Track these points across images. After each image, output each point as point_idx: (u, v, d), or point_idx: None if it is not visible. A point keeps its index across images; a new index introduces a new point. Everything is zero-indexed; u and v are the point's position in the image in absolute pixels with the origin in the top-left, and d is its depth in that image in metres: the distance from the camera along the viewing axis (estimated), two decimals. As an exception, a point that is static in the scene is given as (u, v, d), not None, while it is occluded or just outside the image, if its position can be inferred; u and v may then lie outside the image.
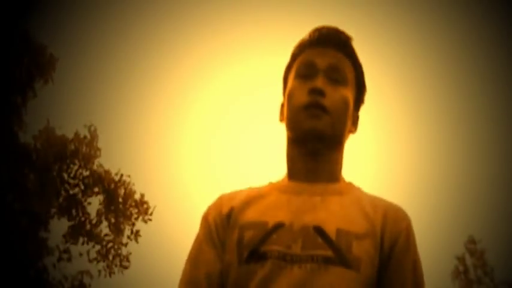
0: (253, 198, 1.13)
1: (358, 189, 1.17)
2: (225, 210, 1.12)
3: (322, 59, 1.17)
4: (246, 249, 1.04)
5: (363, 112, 1.24)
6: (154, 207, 10.61)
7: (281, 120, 1.22)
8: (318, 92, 1.12)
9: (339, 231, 1.03)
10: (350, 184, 1.17)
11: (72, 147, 10.57)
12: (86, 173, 10.64)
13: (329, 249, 1.01)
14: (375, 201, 1.12)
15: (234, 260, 1.05)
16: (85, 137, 10.71)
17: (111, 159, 11.06)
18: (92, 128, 10.86)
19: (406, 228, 1.09)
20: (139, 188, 10.69)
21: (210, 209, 1.16)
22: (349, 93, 1.18)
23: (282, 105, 1.23)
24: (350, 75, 1.20)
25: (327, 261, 1.00)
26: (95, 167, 10.70)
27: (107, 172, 10.70)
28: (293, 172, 1.15)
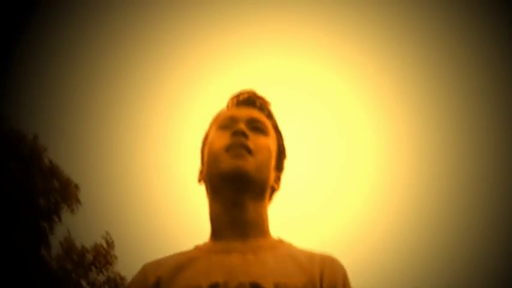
0: (182, 263, 1.06)
1: (290, 244, 1.12)
2: (152, 280, 1.04)
3: (243, 113, 1.17)
4: None
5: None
6: None
7: (200, 180, 1.17)
8: (240, 134, 1.10)
9: (276, 286, 0.99)
10: (280, 240, 1.13)
11: (91, 257, 11.67)
12: (103, 279, 11.74)
13: None
14: (310, 254, 1.08)
15: None
16: (102, 246, 11.83)
17: (128, 264, 12.09)
18: (109, 238, 11.98)
19: (343, 277, 1.06)
20: None
21: (133, 281, 1.09)
22: (271, 143, 1.16)
23: (201, 170, 1.18)
24: (271, 130, 1.18)
25: None
26: (111, 274, 11.81)
27: (123, 279, 11.80)
28: (219, 230, 1.10)
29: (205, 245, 1.11)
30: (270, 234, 1.13)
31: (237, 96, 1.21)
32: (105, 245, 11.88)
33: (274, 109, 1.24)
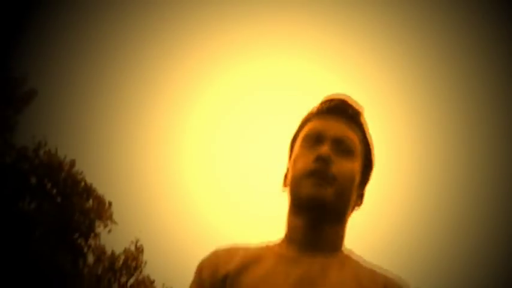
0: (250, 263, 1.07)
1: (357, 261, 1.11)
2: (221, 273, 1.07)
3: (330, 129, 1.14)
4: None
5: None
6: None
7: (284, 186, 1.17)
8: (324, 160, 1.08)
9: None
10: (349, 255, 1.12)
11: (121, 262, 12.34)
12: (132, 282, 12.49)
13: None
14: (374, 276, 1.07)
15: None
16: (131, 251, 12.48)
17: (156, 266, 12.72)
18: (138, 244, 12.61)
19: None
20: None
21: (204, 265, 1.11)
22: (356, 166, 1.14)
23: (286, 173, 1.18)
24: (358, 148, 1.15)
25: None
26: (141, 277, 12.53)
27: (152, 282, 12.54)
28: (292, 240, 1.10)
29: (276, 246, 1.12)
30: (341, 250, 1.12)
31: (328, 102, 1.18)
32: (134, 250, 12.50)
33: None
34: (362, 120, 1.18)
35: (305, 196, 1.08)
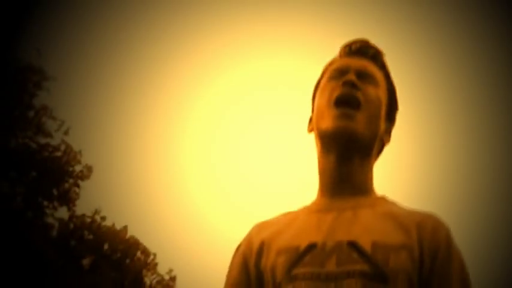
0: (283, 225, 1.09)
1: (392, 202, 1.11)
2: (256, 245, 1.08)
3: (354, 63, 1.16)
4: (279, 275, 1.01)
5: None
6: None
7: (309, 131, 1.18)
8: (350, 83, 1.09)
9: (374, 244, 0.98)
10: (383, 198, 1.12)
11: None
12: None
13: (365, 263, 0.97)
14: (410, 213, 1.06)
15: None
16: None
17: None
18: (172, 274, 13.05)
19: (445, 239, 1.03)
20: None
21: (241, 243, 1.13)
22: (381, 93, 1.14)
23: (311, 119, 1.19)
24: (382, 82, 1.17)
25: (364, 276, 0.95)
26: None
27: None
28: (324, 185, 1.11)
29: (311, 202, 1.14)
30: (373, 192, 1.13)
31: (349, 45, 1.21)
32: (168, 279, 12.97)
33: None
34: (384, 60, 1.21)
35: (332, 129, 1.08)
